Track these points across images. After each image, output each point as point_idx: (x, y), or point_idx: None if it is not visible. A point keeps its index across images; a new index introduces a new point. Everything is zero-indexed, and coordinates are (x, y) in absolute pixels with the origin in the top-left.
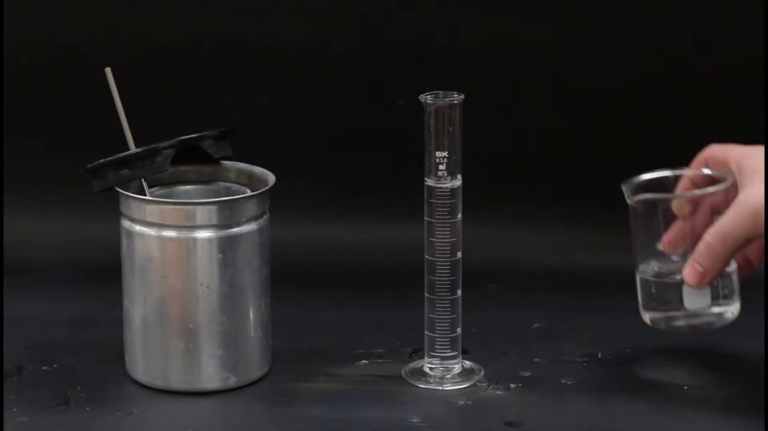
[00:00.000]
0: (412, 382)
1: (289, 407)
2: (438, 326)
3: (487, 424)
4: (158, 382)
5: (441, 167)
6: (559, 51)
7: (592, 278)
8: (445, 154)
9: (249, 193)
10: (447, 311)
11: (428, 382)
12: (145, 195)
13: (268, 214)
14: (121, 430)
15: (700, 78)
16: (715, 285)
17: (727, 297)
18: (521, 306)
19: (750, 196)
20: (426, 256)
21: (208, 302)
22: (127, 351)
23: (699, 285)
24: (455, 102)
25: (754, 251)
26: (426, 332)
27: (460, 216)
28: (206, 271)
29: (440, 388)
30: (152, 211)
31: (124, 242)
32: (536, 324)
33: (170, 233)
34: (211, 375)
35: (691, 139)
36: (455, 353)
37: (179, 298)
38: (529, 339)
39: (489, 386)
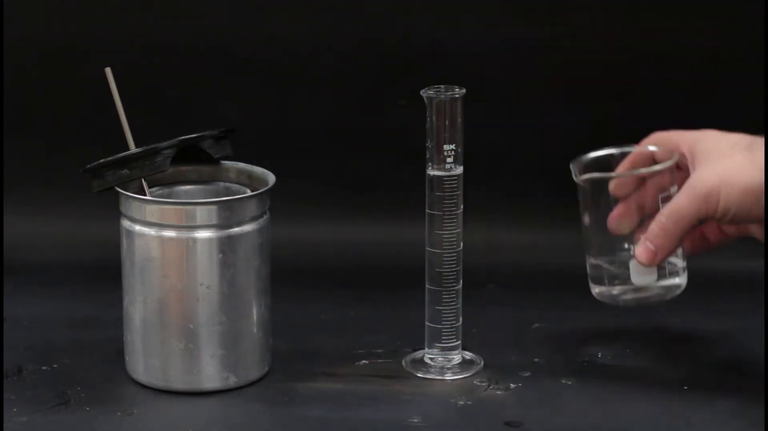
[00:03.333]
0: (414, 372)
1: (289, 407)
2: (444, 317)
3: (487, 424)
4: (158, 382)
5: (449, 160)
6: (560, 51)
7: None
8: (452, 146)
9: (249, 193)
10: (453, 301)
11: (429, 372)
12: (145, 195)
13: (268, 213)
14: (121, 430)
15: (701, 78)
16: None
17: (673, 273)
18: (521, 306)
19: (703, 177)
20: (430, 249)
21: (208, 302)
22: (127, 351)
23: (650, 264)
24: (457, 96)
25: (711, 230)
26: (429, 323)
27: (462, 207)
28: (206, 271)
29: (441, 378)
30: (152, 211)
31: (124, 242)
32: (536, 324)
33: (170, 233)
34: (211, 375)
35: None
36: (458, 343)
37: (179, 298)
38: (529, 339)
39: (489, 386)
